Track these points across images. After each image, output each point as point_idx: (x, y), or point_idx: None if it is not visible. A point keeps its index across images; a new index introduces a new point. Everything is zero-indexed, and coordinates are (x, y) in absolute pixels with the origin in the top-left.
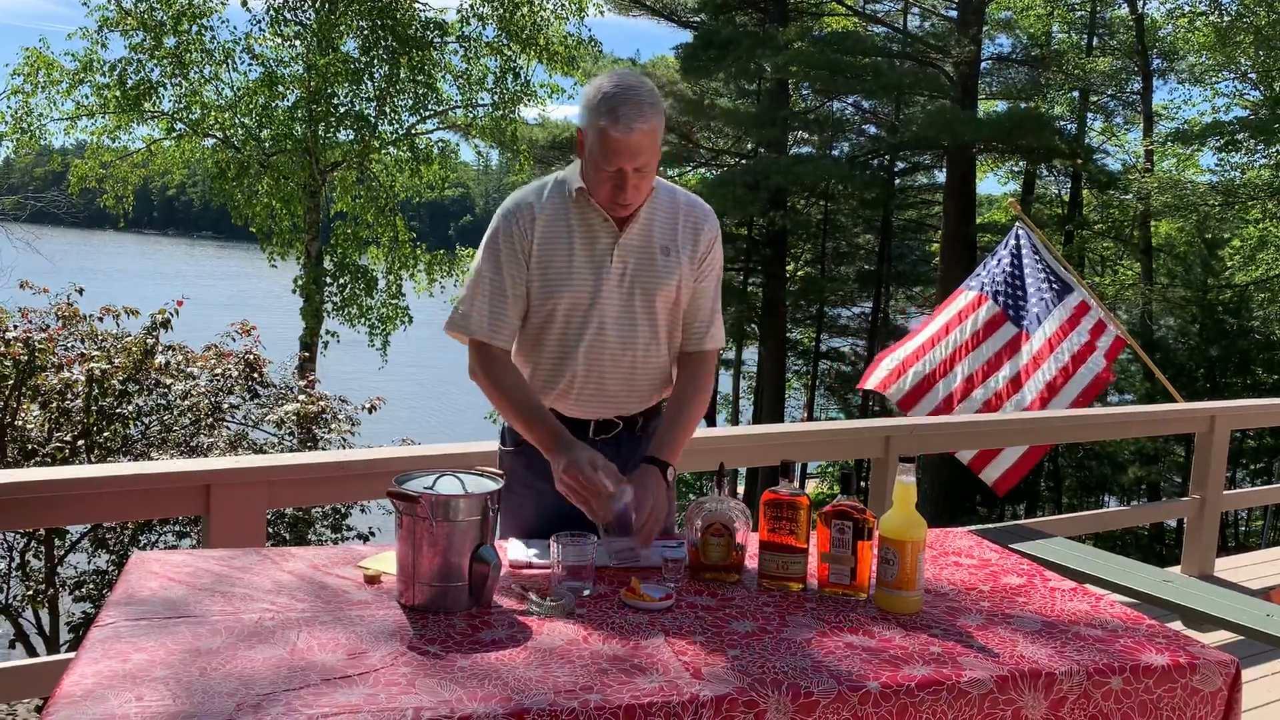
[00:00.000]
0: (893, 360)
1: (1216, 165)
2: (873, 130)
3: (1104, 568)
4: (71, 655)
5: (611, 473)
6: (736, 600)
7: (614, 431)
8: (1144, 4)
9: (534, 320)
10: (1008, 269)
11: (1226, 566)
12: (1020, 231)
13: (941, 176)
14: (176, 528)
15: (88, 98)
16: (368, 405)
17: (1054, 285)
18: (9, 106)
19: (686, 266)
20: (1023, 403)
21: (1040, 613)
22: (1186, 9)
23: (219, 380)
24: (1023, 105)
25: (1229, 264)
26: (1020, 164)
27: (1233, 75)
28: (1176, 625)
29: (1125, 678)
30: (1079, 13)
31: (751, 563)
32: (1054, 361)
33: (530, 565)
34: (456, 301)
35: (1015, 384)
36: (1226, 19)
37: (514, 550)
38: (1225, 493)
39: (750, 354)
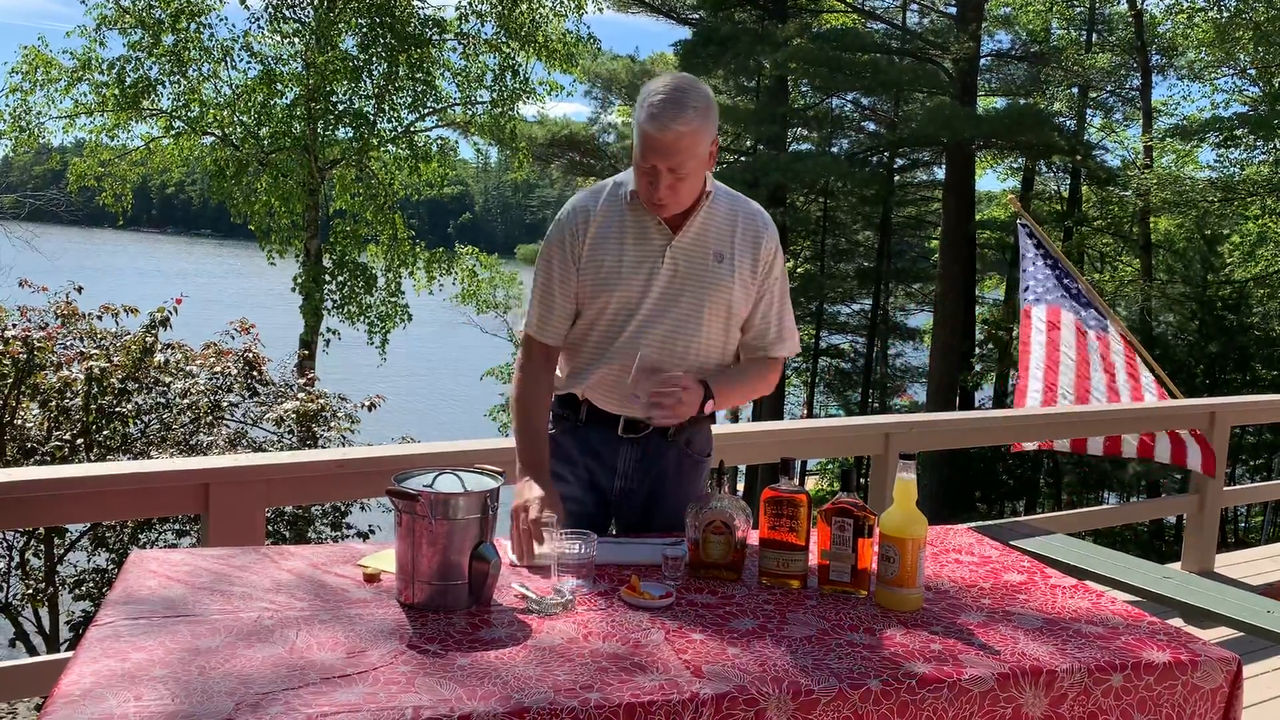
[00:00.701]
0: (1036, 392)
1: (1216, 161)
2: (872, 127)
3: (1104, 564)
4: (70, 654)
5: (551, 525)
6: (737, 598)
7: (642, 432)
8: (1143, 0)
9: (586, 316)
10: (1046, 272)
11: (1227, 563)
12: (1023, 230)
13: (941, 173)
14: (176, 526)
15: (86, 96)
16: (367, 403)
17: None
18: (8, 105)
19: (747, 276)
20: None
21: (1041, 610)
22: (1185, 5)
23: (218, 378)
24: (1022, 101)
25: (1228, 260)
26: (1019, 160)
27: (1232, 71)
28: (1177, 622)
29: (1126, 675)
30: (1078, 9)
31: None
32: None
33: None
34: None
35: (1135, 383)
36: (1225, 15)
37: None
38: (1225, 489)
39: None
